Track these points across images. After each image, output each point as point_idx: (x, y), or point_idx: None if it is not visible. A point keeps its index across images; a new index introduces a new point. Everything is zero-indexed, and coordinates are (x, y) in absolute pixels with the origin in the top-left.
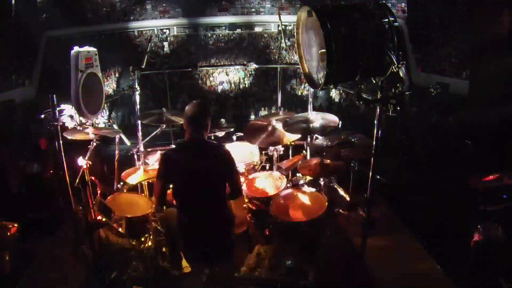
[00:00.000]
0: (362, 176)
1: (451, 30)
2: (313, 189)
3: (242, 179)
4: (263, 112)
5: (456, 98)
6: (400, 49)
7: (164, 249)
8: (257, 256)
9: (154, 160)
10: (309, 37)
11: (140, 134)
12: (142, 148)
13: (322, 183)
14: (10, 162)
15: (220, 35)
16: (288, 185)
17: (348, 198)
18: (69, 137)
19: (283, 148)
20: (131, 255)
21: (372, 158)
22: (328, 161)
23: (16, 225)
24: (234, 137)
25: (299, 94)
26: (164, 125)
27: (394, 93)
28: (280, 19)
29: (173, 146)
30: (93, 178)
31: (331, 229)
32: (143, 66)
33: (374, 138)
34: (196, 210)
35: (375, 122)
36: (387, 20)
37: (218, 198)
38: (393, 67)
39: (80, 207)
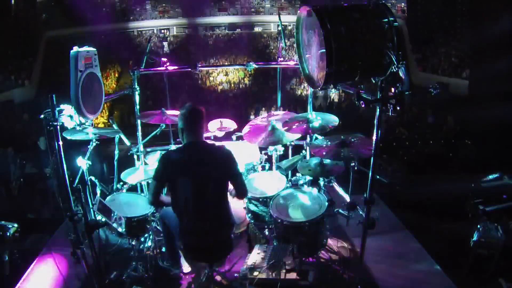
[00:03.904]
0: (362, 176)
1: (451, 30)
2: (313, 189)
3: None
4: (263, 112)
5: (456, 98)
6: (400, 49)
7: (164, 249)
8: (257, 256)
9: (154, 160)
10: (308, 37)
11: (139, 134)
12: (141, 148)
13: (322, 183)
14: (11, 162)
15: (220, 35)
16: (288, 185)
17: (348, 198)
18: (68, 137)
19: (283, 148)
20: (131, 255)
21: (372, 158)
22: (328, 161)
23: (16, 225)
24: (234, 137)
25: (299, 94)
26: (164, 125)
27: (394, 93)
28: (280, 19)
29: (173, 148)
30: (92, 178)
31: (331, 229)
32: (143, 66)
33: (374, 138)
34: (196, 211)
35: (375, 122)
36: (386, 20)
37: (219, 200)
38: (393, 67)
39: (80, 207)
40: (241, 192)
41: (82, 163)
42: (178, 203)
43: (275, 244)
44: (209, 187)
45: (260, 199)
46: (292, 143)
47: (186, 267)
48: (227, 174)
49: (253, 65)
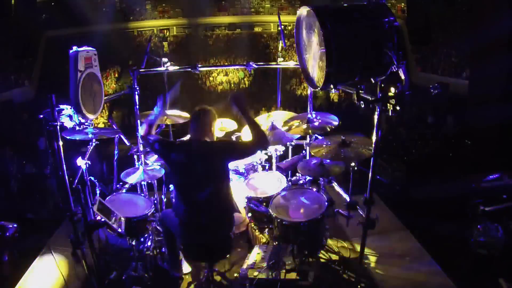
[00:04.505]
0: (362, 176)
1: (451, 30)
2: (313, 189)
3: (242, 179)
4: (263, 113)
5: (456, 98)
6: (400, 49)
7: (164, 249)
8: (257, 256)
9: (153, 160)
10: (308, 37)
11: (139, 134)
12: (141, 148)
13: (322, 183)
14: (11, 162)
15: (220, 35)
16: (288, 185)
17: (348, 198)
18: (68, 137)
19: (283, 148)
20: (131, 255)
21: (372, 158)
22: (328, 161)
23: (15, 225)
24: (234, 137)
25: (299, 94)
26: (164, 125)
27: (394, 93)
28: (279, 19)
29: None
30: (92, 178)
31: (331, 229)
32: (143, 66)
33: (374, 138)
34: (196, 209)
35: (375, 122)
36: (386, 20)
37: (213, 195)
38: (393, 67)
39: (80, 207)
40: (253, 143)
41: (82, 163)
42: (178, 197)
43: (275, 244)
44: (207, 183)
45: (260, 199)
46: (292, 143)
47: (186, 268)
48: (229, 158)
49: (253, 65)
